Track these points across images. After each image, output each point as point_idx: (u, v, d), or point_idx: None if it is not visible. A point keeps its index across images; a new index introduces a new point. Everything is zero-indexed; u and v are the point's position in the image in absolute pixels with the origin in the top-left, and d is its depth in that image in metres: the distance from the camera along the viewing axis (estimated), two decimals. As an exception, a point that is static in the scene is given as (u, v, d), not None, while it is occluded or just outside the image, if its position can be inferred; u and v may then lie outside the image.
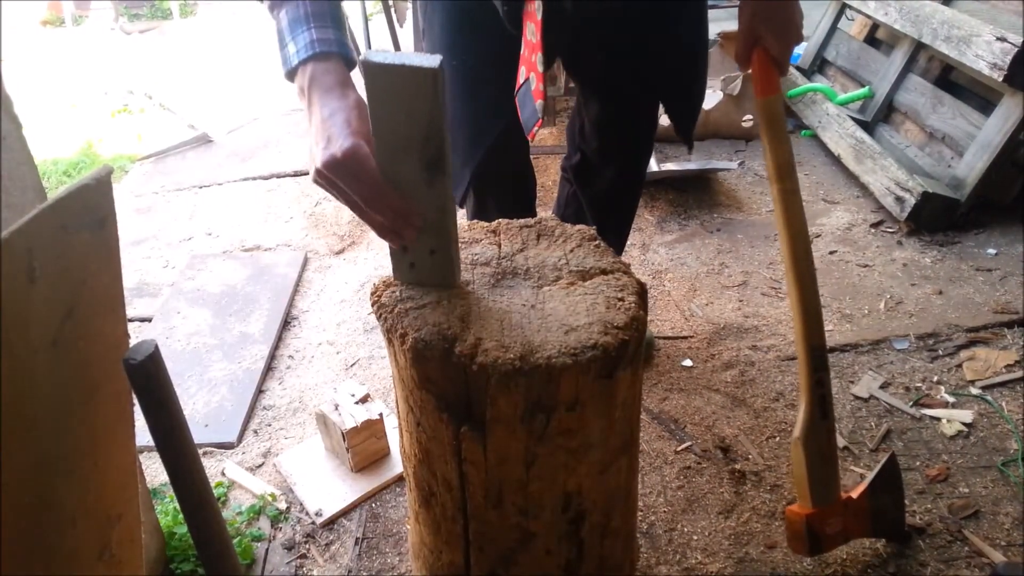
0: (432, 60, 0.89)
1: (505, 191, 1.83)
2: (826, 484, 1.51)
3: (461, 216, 1.30)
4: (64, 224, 0.95)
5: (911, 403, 2.06)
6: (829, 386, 1.50)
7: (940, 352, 2.24)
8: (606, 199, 2.03)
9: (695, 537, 1.72)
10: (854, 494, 1.56)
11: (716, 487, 1.84)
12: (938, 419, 2.00)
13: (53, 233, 0.93)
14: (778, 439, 1.97)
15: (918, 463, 1.88)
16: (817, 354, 1.46)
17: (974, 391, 2.09)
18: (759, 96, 1.43)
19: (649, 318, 2.02)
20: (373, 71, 0.91)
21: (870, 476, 1.59)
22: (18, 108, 1.18)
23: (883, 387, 2.11)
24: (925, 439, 1.95)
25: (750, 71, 1.46)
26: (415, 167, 0.98)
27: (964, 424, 1.98)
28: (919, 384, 2.12)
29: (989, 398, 2.05)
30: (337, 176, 0.95)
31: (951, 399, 2.07)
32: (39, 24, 6.45)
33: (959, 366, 2.18)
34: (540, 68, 1.43)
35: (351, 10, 3.10)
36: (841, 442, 1.94)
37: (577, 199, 2.07)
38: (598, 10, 1.57)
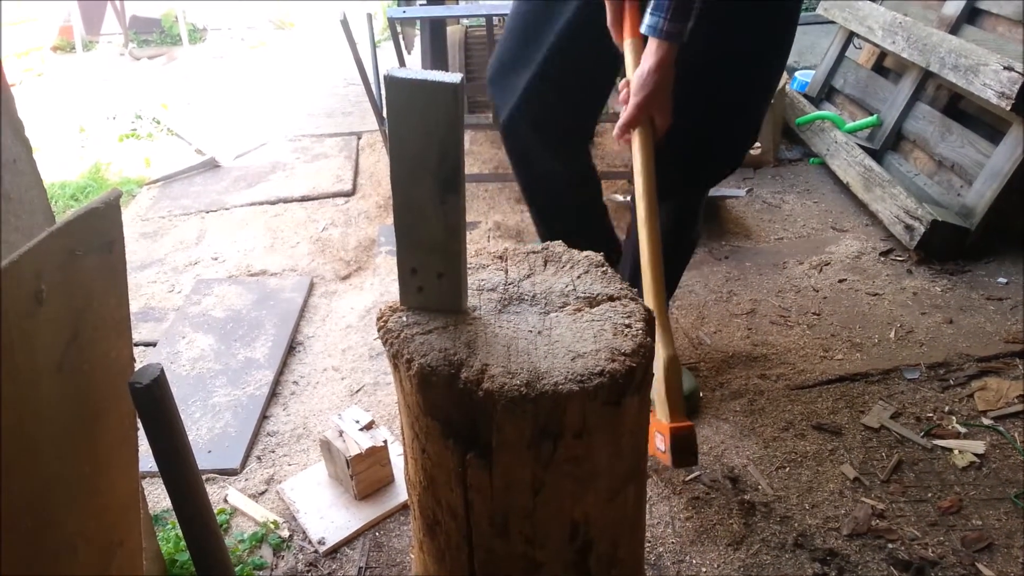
0: (453, 77, 0.90)
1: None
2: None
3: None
4: (72, 247, 0.95)
5: (922, 433, 2.03)
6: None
7: (951, 382, 2.22)
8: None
9: (704, 569, 1.70)
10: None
11: (725, 518, 1.82)
12: (950, 450, 1.98)
13: (61, 256, 0.93)
14: (788, 469, 1.95)
15: (930, 494, 1.86)
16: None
17: (986, 422, 2.06)
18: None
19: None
20: (395, 86, 0.92)
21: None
22: (28, 132, 1.19)
23: (894, 417, 2.09)
24: (937, 470, 1.93)
25: None
26: (429, 185, 0.98)
27: (976, 455, 1.95)
28: (930, 414, 2.10)
29: (1001, 429, 2.03)
30: None
31: (963, 430, 2.04)
32: (50, 50, 6.52)
33: (970, 396, 2.16)
34: None
35: (359, 36, 3.12)
36: (852, 472, 1.91)
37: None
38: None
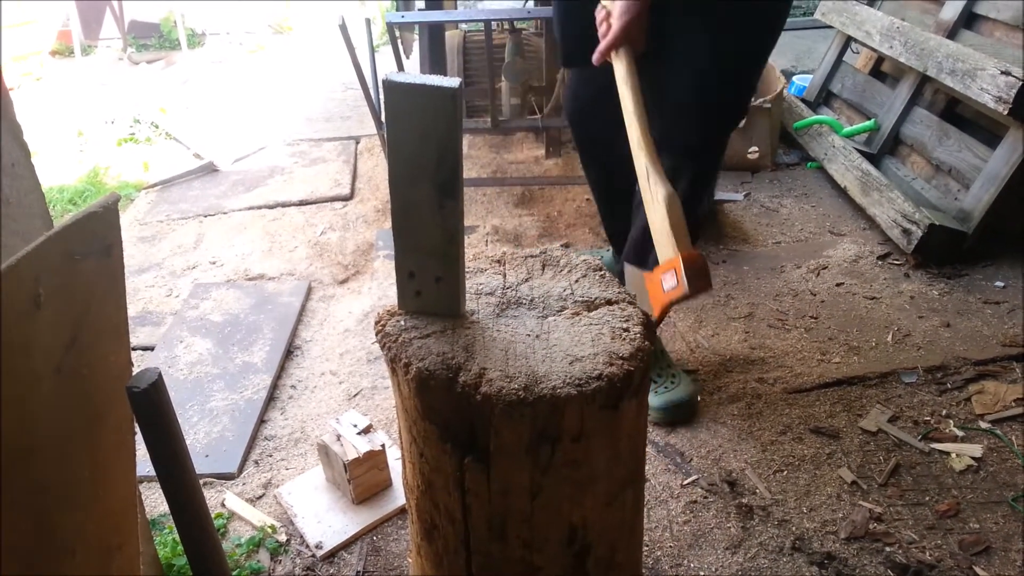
0: (451, 82, 0.91)
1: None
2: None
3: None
4: (70, 251, 0.95)
5: (920, 437, 2.03)
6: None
7: (948, 385, 2.22)
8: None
9: (702, 573, 1.70)
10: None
11: (723, 522, 1.82)
12: (947, 453, 1.98)
13: (59, 260, 0.93)
14: (785, 473, 1.95)
15: (927, 498, 1.86)
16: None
17: (983, 425, 2.06)
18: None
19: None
20: (393, 90, 0.92)
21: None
22: (27, 136, 1.19)
23: (891, 421, 2.09)
24: (934, 474, 1.93)
25: None
26: (428, 189, 0.98)
27: (974, 459, 1.95)
28: (927, 418, 2.10)
29: (999, 432, 2.03)
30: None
31: (960, 433, 2.04)
32: (49, 54, 6.52)
33: (968, 400, 2.16)
34: None
35: (358, 41, 3.12)
36: (850, 476, 1.91)
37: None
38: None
